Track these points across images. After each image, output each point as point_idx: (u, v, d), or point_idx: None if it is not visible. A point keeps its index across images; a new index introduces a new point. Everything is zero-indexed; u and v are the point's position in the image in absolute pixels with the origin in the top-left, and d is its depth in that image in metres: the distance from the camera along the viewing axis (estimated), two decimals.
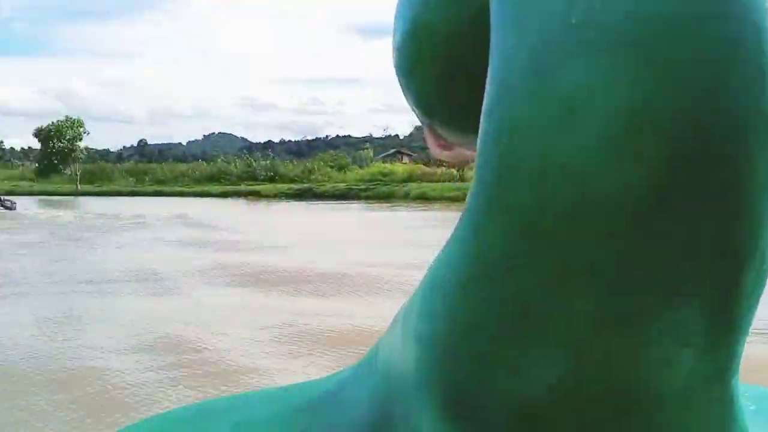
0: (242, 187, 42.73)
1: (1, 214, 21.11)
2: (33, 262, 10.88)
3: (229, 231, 15.83)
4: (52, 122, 54.98)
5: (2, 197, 23.43)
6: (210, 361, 5.04)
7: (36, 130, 54.73)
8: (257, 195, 39.62)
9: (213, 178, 47.47)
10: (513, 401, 0.32)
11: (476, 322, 0.33)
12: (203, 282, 8.59)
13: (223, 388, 4.45)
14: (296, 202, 33.89)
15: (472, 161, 0.47)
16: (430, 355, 0.35)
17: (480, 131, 0.34)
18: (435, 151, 0.49)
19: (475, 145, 0.34)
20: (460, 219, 0.34)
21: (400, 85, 0.45)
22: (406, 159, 53.82)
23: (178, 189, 44.19)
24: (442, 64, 0.41)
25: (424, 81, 0.43)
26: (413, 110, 0.46)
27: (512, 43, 0.33)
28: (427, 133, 0.48)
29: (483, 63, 0.35)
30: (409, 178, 38.67)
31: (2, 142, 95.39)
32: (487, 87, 0.34)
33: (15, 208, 22.58)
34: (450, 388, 0.34)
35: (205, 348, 5.34)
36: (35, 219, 20.06)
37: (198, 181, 47.77)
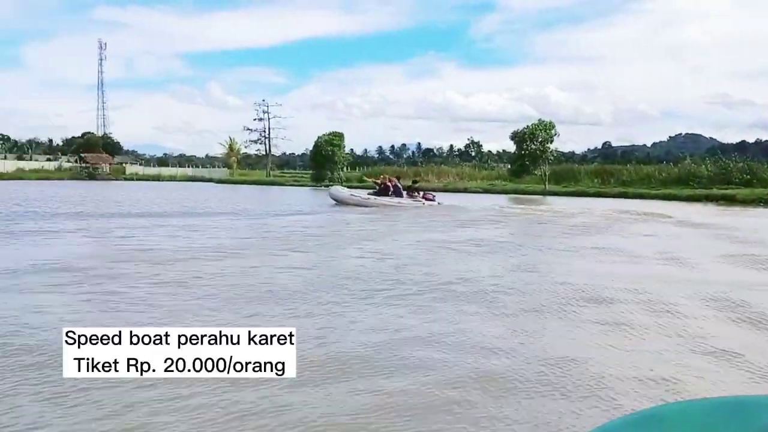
0: (713, 191, 39.93)
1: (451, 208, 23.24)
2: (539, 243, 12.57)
3: (730, 230, 15.22)
4: (527, 126, 59.37)
5: (427, 193, 25.59)
6: None
7: (512, 133, 60.01)
8: (731, 200, 36.51)
9: (680, 181, 45.46)
10: None
11: None
12: (728, 266, 8.78)
13: None
14: None
15: None
16: None
17: None
18: None
19: None
20: None
21: None
22: None
23: (641, 191, 43.71)
24: None
25: None
26: None
27: None
28: None
29: None
30: None
31: (482, 146, 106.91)
32: None
33: (438, 202, 24.65)
34: None
35: None
36: (518, 212, 22.41)
37: (663, 183, 46.38)
